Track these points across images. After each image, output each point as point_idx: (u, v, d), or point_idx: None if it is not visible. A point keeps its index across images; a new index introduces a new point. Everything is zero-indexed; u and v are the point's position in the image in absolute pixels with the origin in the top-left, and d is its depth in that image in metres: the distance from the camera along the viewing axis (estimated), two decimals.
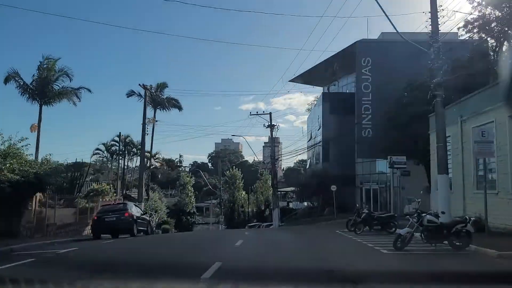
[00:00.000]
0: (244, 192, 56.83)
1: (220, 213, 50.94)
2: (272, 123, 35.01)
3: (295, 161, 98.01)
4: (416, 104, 26.17)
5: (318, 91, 51.57)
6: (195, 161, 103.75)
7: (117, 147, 32.14)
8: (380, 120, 31.33)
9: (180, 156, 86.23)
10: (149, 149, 33.57)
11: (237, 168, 58.92)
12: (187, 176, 62.15)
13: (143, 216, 18.26)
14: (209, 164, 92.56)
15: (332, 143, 40.13)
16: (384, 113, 30.15)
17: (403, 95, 27.97)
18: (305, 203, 48.02)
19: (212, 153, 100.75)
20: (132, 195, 26.90)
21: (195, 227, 62.75)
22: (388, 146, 28.43)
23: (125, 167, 30.78)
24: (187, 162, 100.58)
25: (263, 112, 35.27)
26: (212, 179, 71.26)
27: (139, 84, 26.45)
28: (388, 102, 30.27)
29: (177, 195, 64.99)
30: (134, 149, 31.63)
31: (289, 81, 49.73)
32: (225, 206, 54.77)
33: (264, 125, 35.25)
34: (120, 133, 29.83)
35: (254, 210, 56.80)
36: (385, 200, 35.94)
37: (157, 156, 32.92)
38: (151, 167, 34.99)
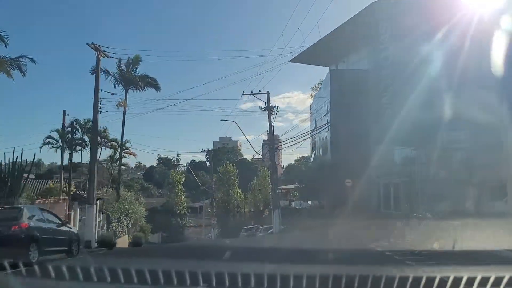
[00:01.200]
0: (240, 190, 50.36)
1: (213, 214, 44.44)
2: (271, 105, 28.48)
3: (296, 158, 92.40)
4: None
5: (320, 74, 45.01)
6: (192, 160, 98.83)
7: (77, 135, 25.30)
8: (407, 96, 24.95)
9: (178, 154, 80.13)
10: (118, 138, 26.95)
11: (231, 164, 52.51)
12: (177, 173, 55.76)
13: (60, 229, 11.74)
14: (207, 163, 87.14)
15: (342, 130, 33.59)
16: (413, 86, 23.82)
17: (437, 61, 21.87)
18: (310, 202, 41.71)
19: (210, 151, 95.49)
20: (84, 195, 20.30)
21: (187, 230, 56.36)
22: (420, 127, 22.17)
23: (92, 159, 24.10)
24: (184, 161, 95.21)
25: (259, 91, 28.73)
26: (210, 178, 64.89)
27: (88, 44, 19.57)
28: (416, 73, 23.98)
29: (166, 194, 58.60)
30: (99, 138, 24.93)
31: (289, 61, 43.17)
32: (218, 206, 48.18)
33: (260, 107, 28.76)
34: (64, 111, 22.81)
35: (252, 210, 50.30)
36: (409, 197, 29.45)
37: (126, 146, 26.20)
38: (121, 158, 28.26)
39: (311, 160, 42.93)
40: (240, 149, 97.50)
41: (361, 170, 30.67)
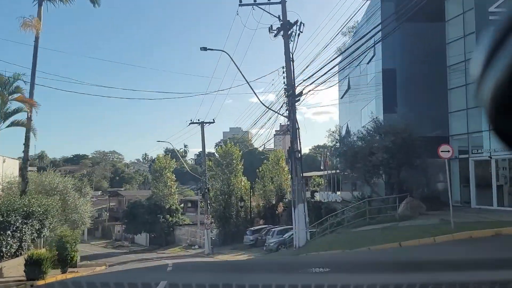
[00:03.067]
0: (245, 179, 38.21)
1: (207, 212, 32.40)
2: (288, 21, 16.18)
3: (311, 147, 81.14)
4: None
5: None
6: (200, 151, 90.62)
7: None
8: None
9: (185, 146, 69.55)
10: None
11: (232, 144, 40.47)
12: (164, 158, 43.92)
13: None
14: (217, 155, 78.97)
15: (401, 79, 21.25)
16: None
17: None
18: (339, 193, 29.55)
19: (219, 142, 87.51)
20: None
21: (179, 230, 44.48)
22: None
23: None
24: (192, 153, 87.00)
25: (268, 0, 16.32)
26: (213, 167, 53.00)
27: None
28: None
29: (152, 185, 46.69)
30: None
31: None
32: (216, 200, 36.06)
33: (270, 28, 16.40)
34: None
35: (261, 205, 38.11)
36: None
37: (15, 87, 13.90)
38: (30, 117, 15.76)
39: (343, 133, 30.56)
40: (250, 140, 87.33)
41: (433, 142, 18.43)
